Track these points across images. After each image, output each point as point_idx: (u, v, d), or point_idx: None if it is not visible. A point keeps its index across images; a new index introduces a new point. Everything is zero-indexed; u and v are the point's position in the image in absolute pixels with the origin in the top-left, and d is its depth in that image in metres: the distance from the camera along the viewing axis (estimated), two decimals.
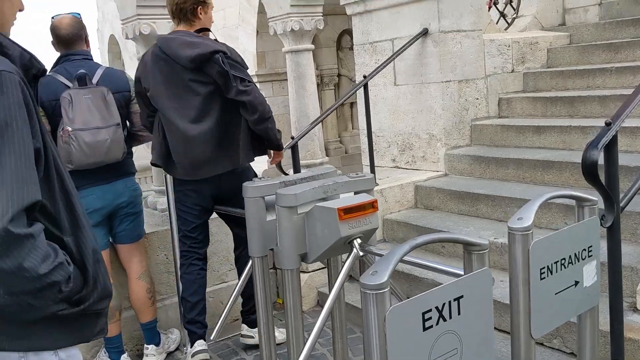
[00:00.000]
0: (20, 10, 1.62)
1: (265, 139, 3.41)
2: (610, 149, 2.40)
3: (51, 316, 1.40)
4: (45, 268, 1.28)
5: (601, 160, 2.36)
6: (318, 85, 8.67)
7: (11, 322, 1.39)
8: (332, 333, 3.06)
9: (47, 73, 3.22)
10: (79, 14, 3.37)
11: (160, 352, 3.55)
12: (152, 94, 3.28)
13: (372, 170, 4.51)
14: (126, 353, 3.46)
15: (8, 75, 1.33)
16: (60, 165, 1.49)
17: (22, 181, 1.26)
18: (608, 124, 2.37)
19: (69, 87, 3.15)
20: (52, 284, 1.31)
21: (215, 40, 3.36)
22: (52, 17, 3.34)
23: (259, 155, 3.56)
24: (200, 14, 3.36)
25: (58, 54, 3.33)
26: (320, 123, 4.97)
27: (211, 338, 3.59)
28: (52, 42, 3.32)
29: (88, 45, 3.41)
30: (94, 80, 3.23)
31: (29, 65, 1.53)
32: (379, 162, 5.12)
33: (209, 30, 3.41)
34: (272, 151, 3.58)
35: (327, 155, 10.49)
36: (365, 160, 4.98)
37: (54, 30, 3.30)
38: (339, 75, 11.16)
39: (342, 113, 11.63)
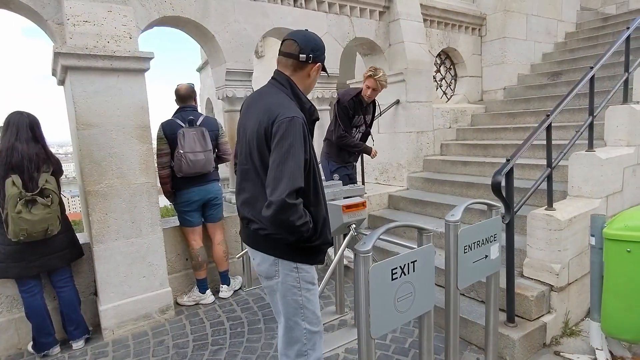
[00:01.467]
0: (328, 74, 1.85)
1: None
2: (509, 175, 2.40)
3: (301, 247, 1.63)
4: (299, 222, 1.52)
5: (503, 183, 2.37)
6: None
7: (285, 246, 1.63)
8: (335, 283, 3.06)
9: (170, 118, 3.30)
10: (192, 84, 3.43)
11: (229, 289, 3.53)
12: None
13: (363, 184, 4.51)
14: (209, 289, 3.46)
15: (297, 119, 1.54)
16: (317, 169, 1.67)
17: (293, 175, 1.50)
18: (508, 160, 2.37)
19: (182, 127, 3.20)
20: (299, 231, 1.54)
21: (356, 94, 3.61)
22: (177, 85, 3.42)
23: None
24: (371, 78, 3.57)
25: (177, 107, 3.39)
26: None
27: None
28: (175, 99, 3.38)
29: (196, 102, 3.43)
30: (198, 123, 3.27)
31: (312, 114, 1.72)
32: (367, 179, 5.12)
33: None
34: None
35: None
36: (359, 178, 4.98)
37: (177, 92, 3.37)
38: None
39: None
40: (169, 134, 3.18)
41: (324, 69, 1.77)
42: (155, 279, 3.09)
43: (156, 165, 3.19)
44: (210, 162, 3.25)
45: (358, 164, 5.02)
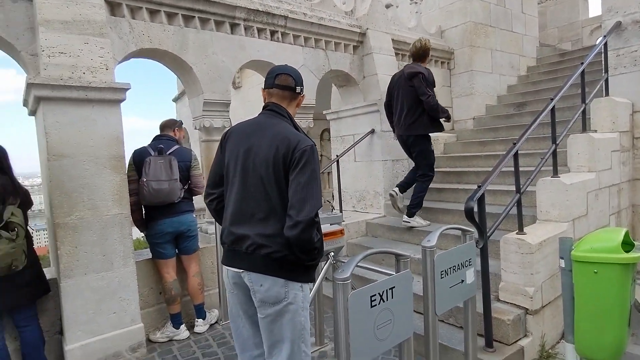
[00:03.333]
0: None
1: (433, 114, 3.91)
2: (481, 201, 2.48)
3: (305, 266, 1.69)
4: (316, 239, 1.62)
5: (476, 209, 2.44)
6: None
7: (294, 266, 1.67)
8: (314, 313, 3.01)
9: (143, 146, 3.29)
10: (180, 121, 3.50)
11: (205, 324, 3.42)
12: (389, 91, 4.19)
13: (340, 211, 4.53)
14: (184, 324, 3.34)
15: (315, 148, 1.69)
16: None
17: (317, 196, 1.62)
18: (479, 186, 2.46)
19: (150, 155, 3.19)
20: (315, 247, 1.62)
21: (426, 68, 3.96)
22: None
23: None
24: (426, 59, 4.03)
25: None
26: None
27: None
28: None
29: (176, 133, 3.43)
30: (167, 152, 3.24)
31: None
32: (345, 207, 5.16)
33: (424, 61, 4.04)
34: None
35: None
36: (337, 206, 5.01)
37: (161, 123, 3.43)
38: (321, 155, 11.24)
39: (322, 178, 11.65)
40: (137, 161, 3.17)
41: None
42: (126, 314, 2.97)
43: None
44: (174, 192, 3.17)
45: (335, 192, 5.06)
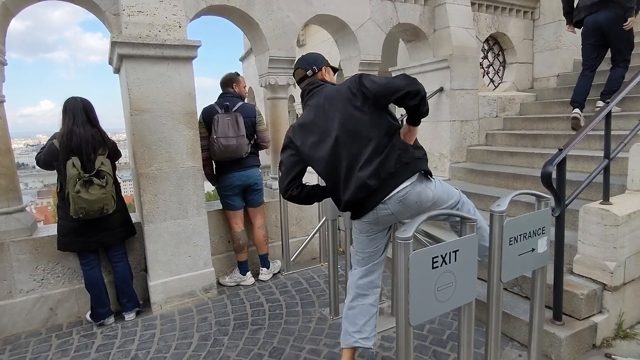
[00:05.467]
0: None
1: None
2: (561, 166, 2.26)
3: (420, 158, 2.02)
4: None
5: (554, 174, 2.24)
6: None
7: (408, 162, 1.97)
8: None
9: (211, 103, 3.40)
10: (234, 72, 3.49)
11: (269, 272, 3.61)
12: None
13: None
14: (250, 271, 3.56)
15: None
16: None
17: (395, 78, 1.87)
18: (560, 150, 2.23)
19: (218, 112, 3.28)
20: (417, 82, 1.85)
21: None
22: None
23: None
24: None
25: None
26: None
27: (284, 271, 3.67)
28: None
29: (236, 89, 3.43)
30: (233, 109, 3.31)
31: None
32: None
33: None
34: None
35: None
36: None
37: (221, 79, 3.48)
38: None
39: None
40: (206, 118, 3.28)
41: (332, 68, 2.16)
42: (199, 259, 3.22)
43: None
44: (242, 147, 3.26)
45: None
